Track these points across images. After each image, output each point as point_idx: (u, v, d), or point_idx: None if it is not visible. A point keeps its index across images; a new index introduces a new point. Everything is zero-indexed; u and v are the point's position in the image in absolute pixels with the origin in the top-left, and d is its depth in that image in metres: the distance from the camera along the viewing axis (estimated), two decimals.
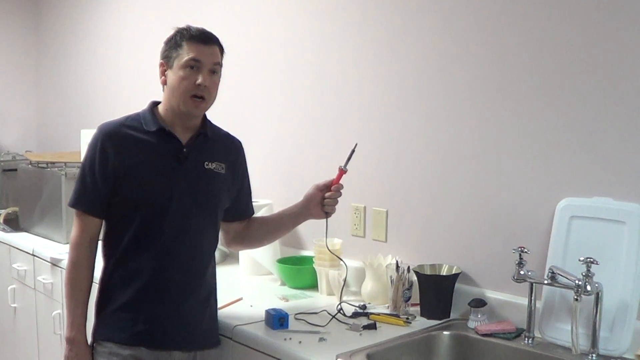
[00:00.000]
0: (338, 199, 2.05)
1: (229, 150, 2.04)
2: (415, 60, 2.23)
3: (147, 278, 1.87)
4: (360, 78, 2.43)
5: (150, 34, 3.54)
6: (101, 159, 1.86)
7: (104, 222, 1.93)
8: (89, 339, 1.92)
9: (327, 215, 2.06)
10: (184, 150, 1.90)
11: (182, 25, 1.92)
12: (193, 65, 1.85)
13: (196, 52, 1.85)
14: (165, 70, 1.90)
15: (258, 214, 2.61)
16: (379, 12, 2.34)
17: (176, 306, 1.89)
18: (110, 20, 3.96)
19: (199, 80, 1.85)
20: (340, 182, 2.04)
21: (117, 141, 1.87)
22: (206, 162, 1.94)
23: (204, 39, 1.88)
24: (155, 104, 1.97)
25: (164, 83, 1.91)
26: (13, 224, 3.62)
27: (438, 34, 2.16)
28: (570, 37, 1.84)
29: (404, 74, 2.27)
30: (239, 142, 2.09)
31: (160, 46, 1.94)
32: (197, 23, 1.97)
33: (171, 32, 1.92)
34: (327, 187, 2.05)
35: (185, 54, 1.85)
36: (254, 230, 2.14)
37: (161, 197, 1.86)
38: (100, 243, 1.95)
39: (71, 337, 1.88)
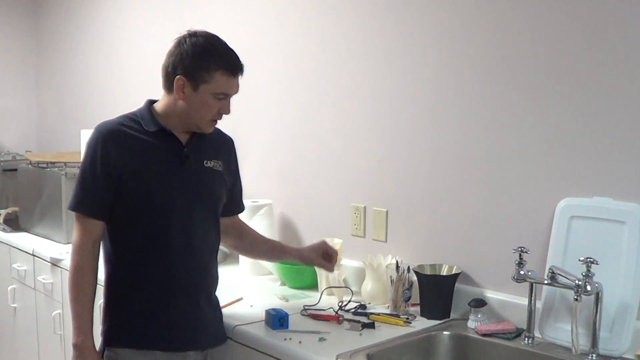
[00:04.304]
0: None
1: (223, 147, 2.04)
2: (417, 61, 2.23)
3: (159, 281, 1.86)
4: (361, 78, 2.42)
5: (150, 34, 3.54)
6: (103, 159, 1.82)
7: (105, 226, 1.88)
8: (98, 345, 1.89)
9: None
10: (185, 150, 1.90)
11: (197, 28, 1.86)
12: (222, 98, 1.86)
13: (228, 87, 1.85)
14: (184, 86, 1.82)
15: (258, 213, 2.63)
16: (384, 10, 2.34)
17: (189, 306, 1.89)
18: (110, 21, 3.96)
19: (223, 111, 1.88)
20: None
21: (118, 141, 1.84)
22: (205, 161, 1.94)
23: (237, 71, 1.86)
24: (152, 103, 1.94)
25: (182, 98, 1.84)
26: (13, 224, 3.62)
27: (441, 33, 2.16)
28: (570, 37, 1.84)
29: (404, 74, 2.27)
30: (231, 139, 2.09)
31: (159, 45, 1.92)
32: (194, 24, 1.96)
33: (194, 39, 1.82)
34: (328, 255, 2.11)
35: (217, 86, 1.82)
36: (246, 241, 2.16)
37: (165, 198, 1.85)
38: (101, 246, 1.91)
39: (78, 342, 1.84)
